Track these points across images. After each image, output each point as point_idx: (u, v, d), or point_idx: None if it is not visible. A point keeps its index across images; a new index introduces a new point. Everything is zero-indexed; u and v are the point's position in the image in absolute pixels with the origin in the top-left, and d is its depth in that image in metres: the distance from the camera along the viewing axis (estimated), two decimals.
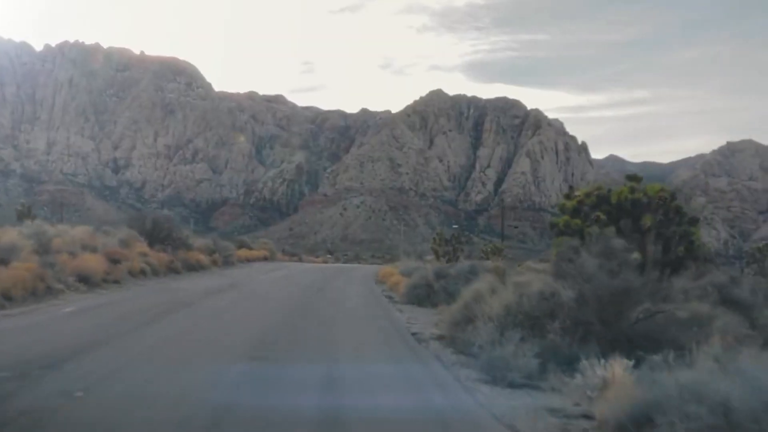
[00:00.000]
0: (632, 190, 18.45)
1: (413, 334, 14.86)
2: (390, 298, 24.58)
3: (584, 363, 9.30)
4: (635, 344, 10.69)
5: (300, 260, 66.25)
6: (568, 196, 20.01)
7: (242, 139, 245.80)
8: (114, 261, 21.96)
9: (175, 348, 11.34)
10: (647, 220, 17.72)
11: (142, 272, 23.81)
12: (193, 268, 29.83)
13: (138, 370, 9.40)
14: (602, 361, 9.19)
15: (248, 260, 42.63)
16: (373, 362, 11.41)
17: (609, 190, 18.99)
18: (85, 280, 19.17)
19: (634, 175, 20.35)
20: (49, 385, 7.93)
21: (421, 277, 24.97)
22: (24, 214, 39.17)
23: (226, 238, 51.70)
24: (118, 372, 9.06)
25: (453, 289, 19.60)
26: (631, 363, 9.12)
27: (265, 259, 48.56)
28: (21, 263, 16.94)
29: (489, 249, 58.90)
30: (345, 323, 16.76)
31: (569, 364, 9.93)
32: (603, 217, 18.25)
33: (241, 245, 46.68)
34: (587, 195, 19.01)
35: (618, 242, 12.83)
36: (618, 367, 8.74)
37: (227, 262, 36.59)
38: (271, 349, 11.83)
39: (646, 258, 17.75)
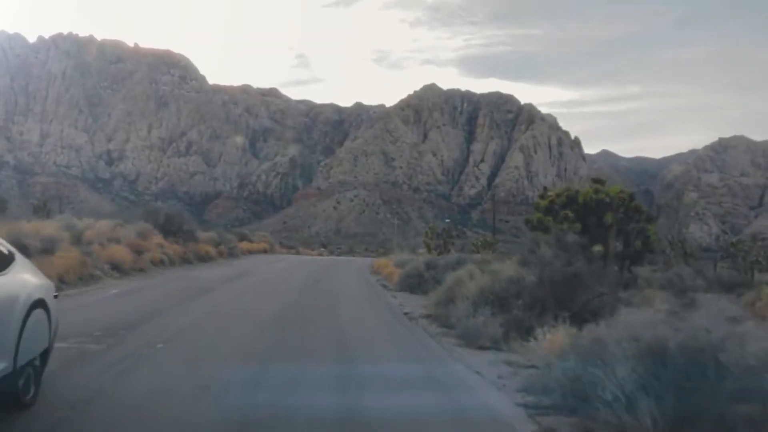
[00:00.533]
0: (596, 191, 21.24)
1: (405, 313, 17.78)
2: (384, 286, 27.51)
3: (538, 331, 12.17)
4: (585, 319, 13.56)
5: (297, 253, 69.46)
6: (542, 196, 22.86)
7: (239, 139, 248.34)
8: (137, 251, 24.75)
9: (215, 319, 14.28)
10: (609, 218, 20.51)
11: (161, 262, 26.60)
12: (203, 259, 32.63)
13: (195, 331, 12.39)
14: (552, 329, 12.07)
15: (250, 252, 45.47)
16: (374, 332, 14.37)
17: (577, 191, 21.79)
18: (117, 268, 21.98)
19: (599, 178, 23.18)
20: (134, 340, 10.80)
21: (413, 267, 27.89)
22: (40, 209, 41.95)
23: (229, 231, 54.48)
24: (180, 333, 11.99)
25: (441, 278, 22.37)
26: (575, 330, 11.99)
27: (265, 251, 51.50)
28: (64, 253, 19.72)
29: (479, 243, 61.62)
30: (347, 305, 19.71)
31: (528, 333, 12.77)
32: (571, 215, 21.08)
33: (243, 238, 49.51)
34: (558, 195, 21.85)
35: (571, 237, 15.70)
36: (562, 331, 11.62)
37: (231, 254, 39.39)
38: (291, 321, 14.78)
39: (608, 250, 20.67)
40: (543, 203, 22.11)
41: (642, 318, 7.68)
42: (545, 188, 26.34)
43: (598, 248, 20.33)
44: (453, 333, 13.88)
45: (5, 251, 7.16)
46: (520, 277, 15.37)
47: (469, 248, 59.07)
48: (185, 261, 29.77)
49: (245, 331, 12.85)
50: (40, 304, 7.09)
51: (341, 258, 63.43)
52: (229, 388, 8.11)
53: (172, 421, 6.80)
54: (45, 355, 7.37)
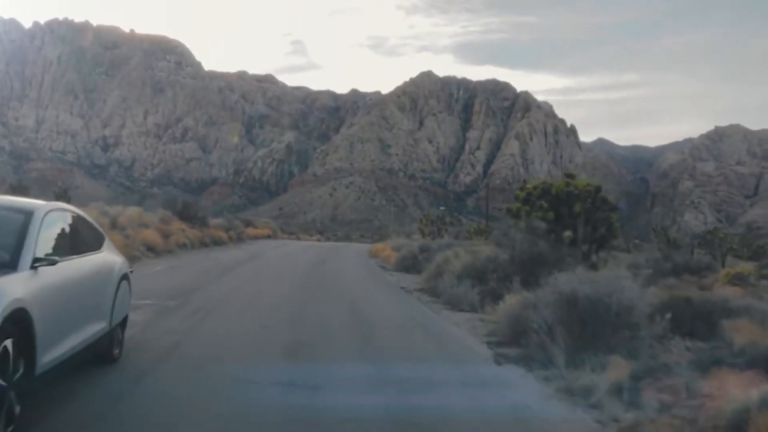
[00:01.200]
0: (567, 184, 24.82)
1: (402, 287, 21.42)
2: (383, 267, 31.17)
3: (506, 297, 15.84)
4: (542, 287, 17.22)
5: (298, 238, 73.39)
6: (521, 189, 26.48)
7: (236, 140, 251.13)
8: (164, 235, 28.28)
9: (250, 287, 18.00)
10: (577, 207, 24.13)
11: (184, 245, 30.16)
12: (216, 243, 36.18)
13: (238, 294, 16.18)
14: (514, 294, 15.74)
15: (255, 237, 49.07)
16: (376, 299, 18.09)
17: (551, 185, 25.40)
18: (151, 249, 25.55)
19: (570, 173, 26.77)
20: (197, 300, 14.42)
21: (409, 251, 31.58)
22: (61, 196, 45.37)
23: (236, 217, 58.02)
24: (227, 295, 15.73)
25: (433, 259, 26.05)
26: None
27: (269, 237, 55.16)
28: (109, 236, 23.31)
29: (473, 230, 65.35)
30: (353, 280, 23.41)
31: (498, 299, 16.43)
32: (545, 205, 24.66)
33: (248, 224, 53.08)
34: (535, 188, 25.43)
35: (539, 223, 19.37)
36: (521, 295, 15.28)
37: (239, 239, 42.98)
38: (310, 290, 18.48)
39: (577, 236, 24.33)
40: (521, 194, 25.71)
41: (565, 279, 11.32)
42: (524, 181, 29.97)
43: (568, 234, 24.01)
44: (440, 300, 17.56)
45: (100, 232, 8.89)
46: (495, 256, 19.06)
47: (464, 235, 62.72)
48: (203, 244, 33.37)
49: (278, 295, 16.63)
50: (125, 277, 8.92)
51: (339, 244, 67.19)
52: (280, 326, 11.83)
53: (251, 344, 10.46)
54: (125, 321, 9.06)
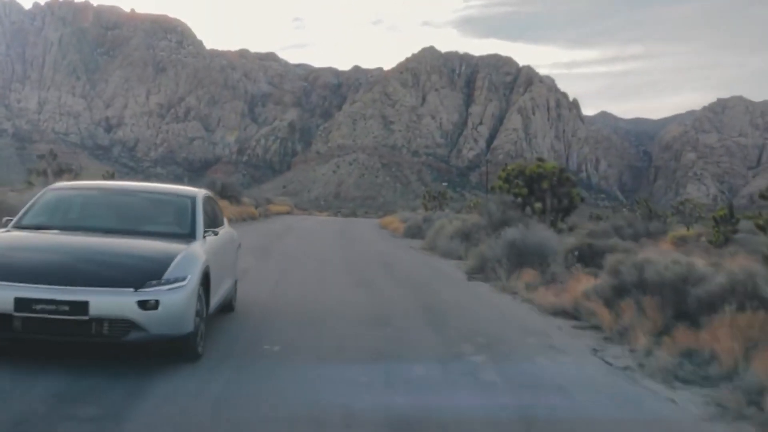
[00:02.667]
0: (538, 167, 32.63)
1: (410, 247, 29.37)
2: (393, 235, 39.15)
3: (480, 246, 23.71)
4: None
5: (310, 214, 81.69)
6: (503, 170, 34.28)
7: (233, 136, 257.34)
8: None
9: (304, 246, 25.97)
10: (545, 184, 31.92)
11: (230, 219, 37.92)
12: (251, 218, 44.04)
13: (298, 247, 24.09)
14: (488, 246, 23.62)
15: (278, 214, 56.92)
16: (394, 253, 26.07)
17: (525, 167, 33.19)
18: None
19: (541, 158, 34.59)
20: (275, 252, 22.32)
21: (414, 222, 39.55)
22: (108, 177, 53.13)
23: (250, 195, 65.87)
24: (293, 250, 23.65)
25: (433, 226, 33.92)
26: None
27: (288, 213, 63.15)
28: None
29: (472, 204, 73.08)
30: (373, 243, 31.41)
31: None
32: (521, 183, 32.52)
33: (268, 202, 61.00)
34: (513, 170, 33.25)
35: (508, 197, 27.19)
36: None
37: (265, 215, 50.86)
38: (346, 248, 26.42)
39: (545, 206, 32.15)
40: (503, 175, 33.56)
41: (510, 232, 19.16)
42: (506, 164, 37.77)
43: (538, 205, 31.89)
44: (437, 253, 25.50)
45: (221, 210, 11.12)
46: (478, 221, 26.95)
47: (464, 209, 70.38)
48: (241, 219, 41.16)
49: (326, 250, 24.68)
50: (239, 244, 11.88)
51: (347, 219, 75.27)
52: (337, 263, 19.75)
53: (327, 273, 18.31)
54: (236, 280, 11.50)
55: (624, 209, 74.17)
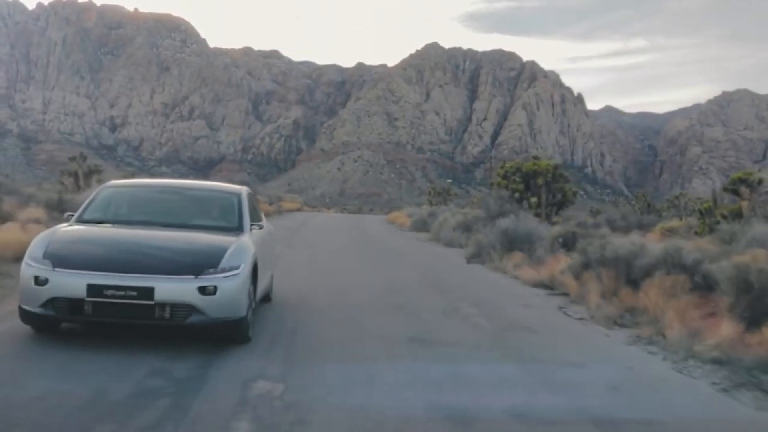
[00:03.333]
0: (534, 164, 36.08)
1: (417, 239, 32.84)
2: (400, 229, 42.64)
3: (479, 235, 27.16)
4: None
5: (320, 211, 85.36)
6: (501, 167, 37.72)
7: (238, 137, 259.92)
8: None
9: (322, 237, 29.44)
10: (539, 180, 35.36)
11: None
12: (265, 214, 47.58)
13: (317, 239, 27.55)
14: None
15: (289, 211, 60.43)
16: (404, 244, 29.57)
17: (522, 164, 36.63)
18: None
19: (536, 156, 38.02)
20: (297, 241, 25.77)
21: (419, 216, 43.00)
22: (130, 177, 56.70)
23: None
24: (313, 240, 27.11)
25: (437, 220, 37.36)
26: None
27: (299, 210, 66.72)
28: None
29: (476, 199, 76.56)
30: (383, 235, 34.87)
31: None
32: (518, 179, 35.97)
33: (279, 199, 64.51)
34: (510, 167, 36.71)
35: (504, 193, 30.63)
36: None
37: (279, 212, 54.33)
38: (359, 239, 29.87)
39: (540, 200, 35.57)
40: (501, 172, 37.02)
41: (505, 222, 22.58)
42: (504, 162, 41.26)
43: (534, 199, 35.34)
44: (441, 243, 28.97)
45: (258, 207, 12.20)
46: (478, 215, 30.40)
47: (469, 205, 73.93)
48: None
49: (341, 240, 28.18)
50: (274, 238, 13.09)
51: (355, 215, 78.84)
52: (353, 251, 23.20)
53: (347, 259, 21.77)
54: None
55: (624, 203, 77.61)
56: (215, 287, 8.05)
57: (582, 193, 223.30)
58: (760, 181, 25.28)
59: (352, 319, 11.20)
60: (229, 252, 8.51)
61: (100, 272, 7.92)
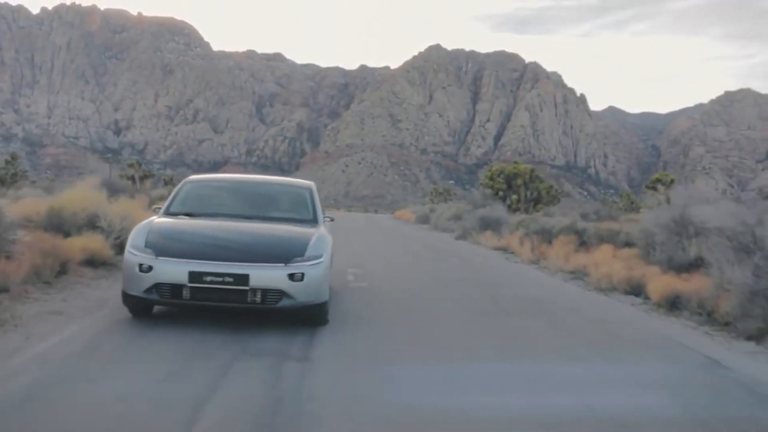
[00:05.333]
0: (514, 168, 46.22)
1: (420, 228, 42.98)
2: (406, 223, 52.84)
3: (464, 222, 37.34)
4: None
5: (331, 211, 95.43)
6: (489, 171, 47.84)
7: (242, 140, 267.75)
8: None
9: (343, 227, 39.63)
10: (518, 181, 45.49)
11: None
12: None
13: (340, 227, 37.79)
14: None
15: None
16: (409, 232, 39.76)
17: (504, 168, 46.74)
18: None
19: (516, 161, 48.17)
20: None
21: (422, 212, 53.18)
22: (167, 183, 66.48)
23: None
24: (335, 228, 37.34)
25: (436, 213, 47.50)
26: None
27: None
28: None
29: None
30: (393, 228, 45.04)
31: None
32: (501, 180, 46.15)
33: None
34: (495, 170, 46.86)
35: (487, 191, 40.80)
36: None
37: None
38: (373, 229, 39.97)
39: (519, 198, 45.70)
40: (488, 174, 47.18)
41: (483, 211, 32.61)
42: (491, 165, 51.42)
43: (514, 197, 45.49)
44: (438, 230, 39.13)
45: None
46: (467, 209, 40.54)
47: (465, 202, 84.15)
48: None
49: (360, 231, 38.22)
50: None
51: (360, 214, 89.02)
52: (371, 236, 33.32)
53: (371, 245, 31.85)
54: None
55: (612, 202, 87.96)
56: (303, 274, 8.91)
57: (585, 193, 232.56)
58: (672, 181, 35.08)
59: (387, 264, 21.20)
60: (312, 242, 9.44)
61: (200, 260, 8.80)
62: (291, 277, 8.87)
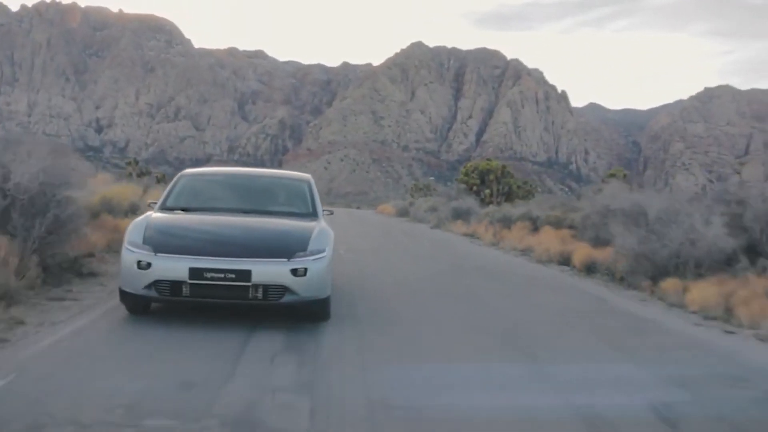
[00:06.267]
0: (487, 164, 50.72)
1: (399, 220, 47.40)
2: (387, 216, 57.25)
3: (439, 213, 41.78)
4: None
5: None
6: (464, 167, 52.34)
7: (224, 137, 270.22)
8: None
9: (337, 221, 43.92)
10: (491, 177, 50.01)
11: None
12: None
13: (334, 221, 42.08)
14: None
15: None
16: (389, 223, 44.24)
17: (478, 165, 51.23)
18: None
19: (488, 158, 52.69)
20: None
21: (402, 206, 57.62)
22: (159, 180, 70.47)
23: None
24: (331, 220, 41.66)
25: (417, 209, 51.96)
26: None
27: None
28: None
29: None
30: (375, 220, 49.45)
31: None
32: (475, 176, 50.65)
33: None
34: (470, 167, 51.37)
35: (461, 186, 45.28)
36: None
37: None
38: (358, 222, 44.39)
39: (492, 191, 50.22)
40: (463, 171, 51.70)
41: (455, 203, 37.02)
42: (468, 162, 55.96)
43: (487, 191, 50.01)
44: (415, 221, 43.54)
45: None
46: (442, 202, 44.97)
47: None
48: None
49: (345, 222, 42.64)
50: None
51: (345, 209, 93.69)
52: (357, 227, 37.72)
53: (356, 231, 36.20)
54: None
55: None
56: (306, 269, 8.88)
57: (566, 189, 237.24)
58: (625, 175, 39.61)
59: (370, 245, 25.51)
60: (313, 236, 9.42)
61: (200, 256, 8.78)
62: (294, 272, 8.88)
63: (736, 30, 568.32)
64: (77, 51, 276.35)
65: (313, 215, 10.91)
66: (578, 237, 21.89)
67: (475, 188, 49.03)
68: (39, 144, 15.36)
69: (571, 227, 24.24)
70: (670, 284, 13.72)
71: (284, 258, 8.94)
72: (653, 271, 14.98)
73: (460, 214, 35.50)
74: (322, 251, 9.28)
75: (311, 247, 9.21)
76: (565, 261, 19.63)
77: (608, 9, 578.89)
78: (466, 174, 51.13)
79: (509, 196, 51.57)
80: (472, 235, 30.53)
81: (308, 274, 8.91)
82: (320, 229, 9.90)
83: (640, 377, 7.86)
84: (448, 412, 6.35)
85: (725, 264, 14.79)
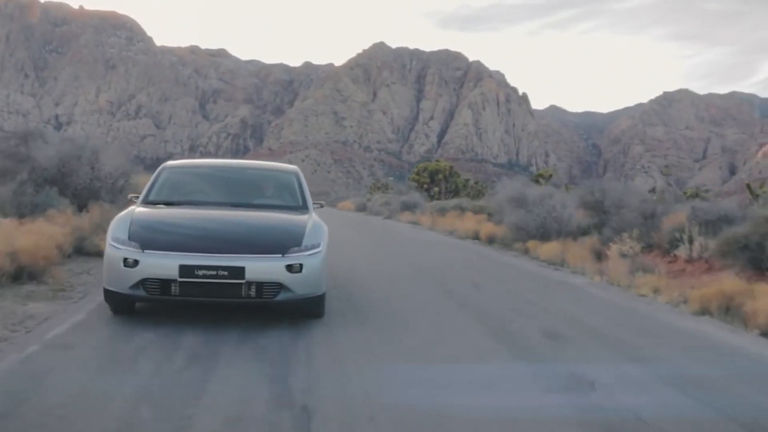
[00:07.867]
0: (436, 165, 58.28)
1: (358, 215, 54.82)
2: (347, 211, 64.63)
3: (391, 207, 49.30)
4: None
5: None
6: (415, 168, 59.88)
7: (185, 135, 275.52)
8: None
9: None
10: (440, 176, 57.56)
11: None
12: None
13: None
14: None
15: None
16: (350, 218, 51.65)
17: (428, 166, 58.75)
18: None
19: (438, 159, 60.31)
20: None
21: (361, 202, 65.04)
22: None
23: None
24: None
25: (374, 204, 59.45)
26: None
27: None
28: None
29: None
30: (336, 214, 56.76)
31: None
32: (425, 176, 58.22)
33: None
34: (422, 167, 58.89)
35: (413, 185, 52.83)
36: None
37: None
38: (327, 217, 51.79)
39: (440, 190, 57.81)
40: (415, 170, 59.23)
41: (404, 197, 44.46)
42: (419, 163, 63.53)
43: (436, 189, 57.57)
44: (371, 214, 50.96)
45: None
46: (395, 197, 52.43)
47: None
48: None
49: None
50: None
51: None
52: (327, 218, 45.26)
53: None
54: None
55: None
56: (301, 265, 8.67)
57: None
58: (550, 176, 47.19)
59: (334, 230, 32.79)
60: (308, 231, 9.25)
61: (190, 253, 8.49)
62: (289, 268, 8.63)
63: (697, 34, 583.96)
64: (37, 47, 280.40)
65: (303, 208, 10.68)
66: (491, 220, 29.37)
67: (425, 186, 56.52)
68: (112, 148, 22.61)
69: (489, 214, 31.73)
70: (531, 245, 21.24)
71: (278, 254, 8.72)
72: (527, 237, 22.51)
73: (409, 207, 42.86)
74: (317, 246, 9.12)
75: (306, 241, 9.01)
76: (477, 237, 27.09)
77: (573, 11, 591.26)
78: (418, 173, 58.63)
79: (456, 194, 59.19)
80: (415, 223, 37.88)
81: (304, 270, 8.71)
82: (314, 222, 9.77)
83: (486, 284, 15.33)
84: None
85: (582, 234, 22.36)
